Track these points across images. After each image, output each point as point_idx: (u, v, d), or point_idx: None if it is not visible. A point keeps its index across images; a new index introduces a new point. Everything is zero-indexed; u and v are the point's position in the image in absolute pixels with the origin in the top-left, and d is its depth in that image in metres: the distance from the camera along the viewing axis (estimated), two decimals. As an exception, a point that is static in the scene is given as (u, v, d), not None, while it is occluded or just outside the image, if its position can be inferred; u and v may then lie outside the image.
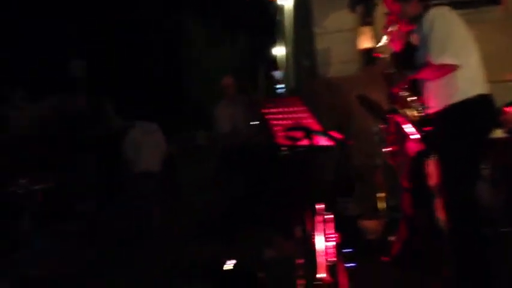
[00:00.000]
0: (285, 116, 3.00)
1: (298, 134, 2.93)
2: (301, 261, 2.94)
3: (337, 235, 2.89)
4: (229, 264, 3.61)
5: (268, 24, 15.36)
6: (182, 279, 3.89)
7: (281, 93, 15.42)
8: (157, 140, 6.25)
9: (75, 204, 6.18)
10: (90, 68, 12.14)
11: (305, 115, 2.93)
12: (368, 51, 5.31)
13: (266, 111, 3.15)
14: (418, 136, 3.14)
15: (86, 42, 13.97)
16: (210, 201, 6.28)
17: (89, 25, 14.77)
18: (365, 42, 5.41)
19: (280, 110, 3.03)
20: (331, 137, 2.97)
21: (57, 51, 13.75)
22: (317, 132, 2.93)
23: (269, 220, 4.66)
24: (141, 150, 5.99)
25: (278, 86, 16.74)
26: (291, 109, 2.97)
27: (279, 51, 16.55)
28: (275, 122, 3.12)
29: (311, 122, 2.92)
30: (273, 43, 17.07)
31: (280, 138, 3.06)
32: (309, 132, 2.91)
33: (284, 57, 14.57)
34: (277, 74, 17.33)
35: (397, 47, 3.33)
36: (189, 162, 9.82)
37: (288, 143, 3.01)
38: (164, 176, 6.32)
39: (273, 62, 17.76)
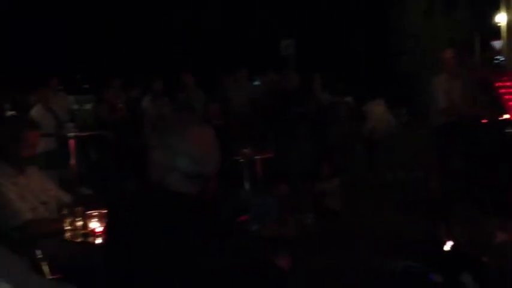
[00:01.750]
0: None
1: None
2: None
3: None
4: (448, 245, 3.46)
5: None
6: (397, 257, 3.86)
7: (500, 66, 13.92)
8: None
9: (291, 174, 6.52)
10: (300, 46, 12.60)
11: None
12: None
13: (500, 84, 2.89)
14: None
15: (295, 22, 14.51)
16: (417, 180, 6.07)
17: (297, 4, 15.29)
18: None
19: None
20: None
21: (269, 32, 14.57)
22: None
23: (500, 203, 4.31)
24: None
25: (497, 57, 15.13)
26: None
27: (501, 18, 14.88)
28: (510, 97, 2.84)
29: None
30: (495, 9, 15.41)
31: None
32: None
33: (506, 25, 13.07)
34: (497, 44, 15.67)
35: None
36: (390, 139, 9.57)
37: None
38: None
39: (493, 31, 16.08)
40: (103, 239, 2.67)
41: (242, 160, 5.77)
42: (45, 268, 2.76)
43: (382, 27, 11.31)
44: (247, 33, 15.35)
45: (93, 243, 2.70)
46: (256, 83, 10.37)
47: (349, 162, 7.39)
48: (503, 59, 14.07)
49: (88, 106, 8.95)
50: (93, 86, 14.28)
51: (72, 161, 5.55)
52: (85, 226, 2.78)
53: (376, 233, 4.78)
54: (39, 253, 2.79)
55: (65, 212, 2.83)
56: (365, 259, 4.14)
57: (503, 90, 2.86)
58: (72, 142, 5.50)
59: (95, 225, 2.73)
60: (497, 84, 2.82)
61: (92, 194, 5.42)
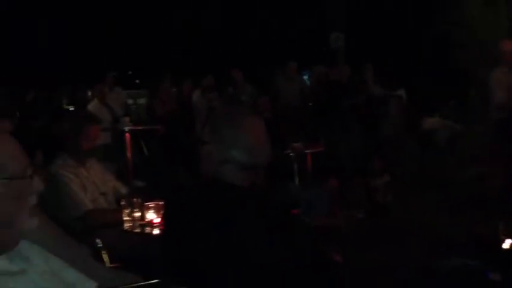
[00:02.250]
0: None
1: None
2: None
3: None
4: (507, 243, 3.36)
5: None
6: (450, 255, 3.78)
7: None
8: None
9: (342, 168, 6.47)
10: (349, 39, 12.42)
11: None
12: None
13: None
14: None
15: (345, 15, 14.33)
16: (472, 177, 5.89)
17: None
18: None
19: None
20: None
21: (318, 26, 14.44)
22: None
23: None
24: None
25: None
26: None
27: None
28: None
29: None
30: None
31: None
32: None
33: None
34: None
35: None
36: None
37: None
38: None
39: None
40: (160, 230, 2.77)
41: (292, 154, 5.77)
42: (105, 257, 2.87)
43: (437, 17, 10.99)
44: (296, 26, 15.29)
45: (151, 234, 2.79)
46: (305, 76, 10.35)
47: (401, 157, 7.26)
48: None
49: (142, 101, 9.20)
50: (144, 81, 14.62)
51: (128, 154, 5.73)
52: (143, 217, 2.87)
53: (428, 230, 4.69)
54: (99, 242, 2.90)
55: (124, 203, 2.93)
56: (416, 256, 4.07)
57: None
58: (127, 136, 5.68)
59: (152, 216, 2.82)
60: None
61: (145, 186, 5.58)
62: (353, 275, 3.74)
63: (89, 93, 9.50)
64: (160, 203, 2.85)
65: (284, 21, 15.68)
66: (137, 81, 17.72)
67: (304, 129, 6.83)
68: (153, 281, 2.45)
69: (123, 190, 3.47)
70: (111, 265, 2.83)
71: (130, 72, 18.73)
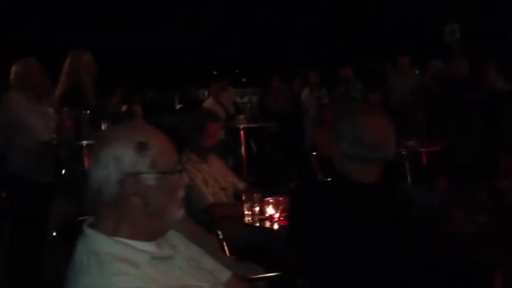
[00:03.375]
0: None
1: None
2: None
3: None
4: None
5: None
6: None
7: None
8: None
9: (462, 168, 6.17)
10: (464, 31, 11.72)
11: None
12: None
13: None
14: None
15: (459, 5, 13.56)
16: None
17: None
18: None
19: None
20: None
21: (430, 18, 13.80)
22: None
23: None
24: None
25: None
26: None
27: None
28: None
29: None
30: None
31: None
32: None
33: None
34: None
35: None
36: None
37: None
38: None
39: None
40: (281, 225, 2.84)
41: (404, 153, 5.60)
42: (226, 248, 3.01)
43: None
44: (408, 19, 14.73)
45: (271, 228, 2.88)
46: (416, 72, 9.96)
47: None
48: None
49: (246, 99, 9.47)
50: (252, 80, 14.94)
51: (242, 151, 5.93)
52: (262, 211, 2.97)
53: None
54: (220, 234, 3.05)
55: (244, 197, 3.05)
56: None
57: None
58: (241, 133, 5.88)
59: (271, 211, 2.91)
60: None
61: (258, 182, 5.73)
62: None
63: (202, 94, 9.90)
64: (279, 198, 2.92)
65: (393, 14, 15.19)
66: (244, 79, 18.16)
67: (419, 127, 6.59)
68: (275, 274, 2.54)
69: (241, 185, 3.60)
70: (232, 257, 2.97)
71: (237, 71, 19.24)
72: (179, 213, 1.42)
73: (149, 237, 1.39)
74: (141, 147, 1.34)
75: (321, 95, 7.88)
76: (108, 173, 1.32)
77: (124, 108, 6.63)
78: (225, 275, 1.62)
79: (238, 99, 11.54)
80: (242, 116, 6.01)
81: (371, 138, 1.84)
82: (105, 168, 1.32)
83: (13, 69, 4.05)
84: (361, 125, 1.87)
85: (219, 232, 3.04)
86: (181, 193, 1.43)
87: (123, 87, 7.97)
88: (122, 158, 1.32)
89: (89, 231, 1.34)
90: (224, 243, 2.99)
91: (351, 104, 6.02)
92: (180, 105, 10.41)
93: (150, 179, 1.34)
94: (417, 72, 9.92)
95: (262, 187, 3.46)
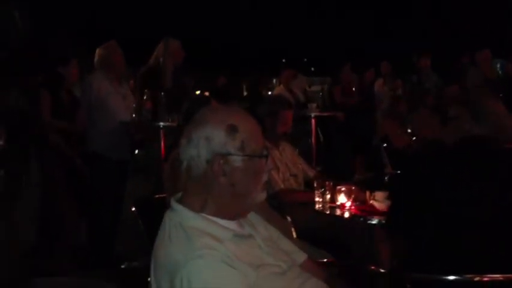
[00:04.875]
0: None
1: None
2: None
3: None
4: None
5: None
6: None
7: None
8: None
9: None
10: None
11: None
12: None
13: None
14: None
15: None
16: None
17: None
18: None
19: None
20: None
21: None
22: None
23: None
24: None
25: None
26: None
27: None
28: None
29: None
30: None
31: None
32: None
33: None
34: None
35: None
36: None
37: None
38: None
39: None
40: (356, 213, 2.83)
41: None
42: (293, 233, 3.04)
43: None
44: (490, 10, 14.03)
45: (341, 216, 2.88)
46: (498, 65, 9.46)
47: None
48: None
49: (316, 88, 9.36)
50: (321, 68, 14.81)
51: (312, 139, 5.91)
52: (333, 199, 2.97)
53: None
54: (289, 219, 3.08)
55: (316, 184, 3.06)
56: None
57: None
58: (313, 121, 5.86)
59: (343, 199, 2.91)
60: None
61: (325, 171, 5.70)
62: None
63: (274, 81, 9.86)
64: (352, 187, 2.91)
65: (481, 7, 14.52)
66: (312, 68, 18.01)
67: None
68: (346, 261, 2.55)
69: (311, 173, 3.61)
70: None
71: (305, 60, 19.10)
72: (262, 196, 1.47)
73: (232, 216, 1.44)
74: (232, 129, 1.39)
75: (396, 85, 7.69)
76: (198, 152, 1.38)
77: (198, 93, 6.77)
78: (301, 256, 1.66)
79: (307, 88, 11.47)
80: (314, 105, 5.97)
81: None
82: (196, 148, 1.38)
83: (97, 52, 4.27)
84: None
85: (288, 217, 3.07)
86: (265, 177, 1.47)
87: (196, 73, 8.14)
88: (213, 138, 1.38)
89: (177, 206, 1.42)
90: (292, 228, 3.02)
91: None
92: (247, 93, 10.49)
93: (237, 160, 1.39)
94: (498, 65, 9.43)
95: (329, 177, 3.45)
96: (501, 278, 1.81)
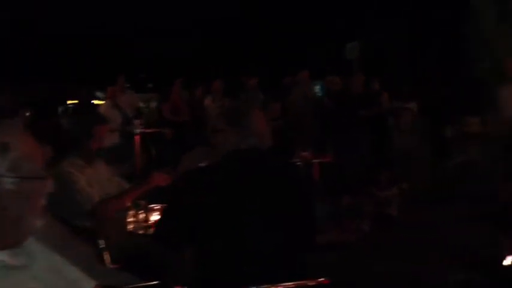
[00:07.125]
0: None
1: None
2: None
3: None
4: (508, 260, 3.33)
5: None
6: (454, 269, 3.76)
7: None
8: None
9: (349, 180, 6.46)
10: (364, 49, 12.38)
11: None
12: None
13: None
14: None
15: (360, 24, 14.34)
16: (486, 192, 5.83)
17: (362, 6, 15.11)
18: None
19: None
20: None
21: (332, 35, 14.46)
22: None
23: None
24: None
25: None
26: None
27: None
28: None
29: None
30: None
31: None
32: None
33: None
34: None
35: None
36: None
37: None
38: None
39: None
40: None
41: (299, 163, 5.76)
42: (106, 257, 2.89)
43: (454, 31, 10.93)
44: (310, 35, 15.33)
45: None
46: (318, 86, 10.33)
47: (411, 171, 7.20)
48: None
49: (154, 104, 9.28)
50: (157, 85, 14.75)
51: (136, 157, 5.77)
52: (147, 219, 2.88)
53: (433, 244, 4.65)
54: (102, 243, 2.92)
55: (129, 204, 2.94)
56: (421, 270, 4.04)
57: None
58: (137, 138, 5.73)
59: (157, 218, 2.83)
60: None
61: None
62: (359, 286, 3.75)
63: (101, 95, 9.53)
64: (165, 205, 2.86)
65: (299, 30, 15.73)
66: (150, 85, 17.85)
67: (313, 138, 6.82)
68: (153, 282, 2.48)
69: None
70: (113, 265, 2.85)
71: (143, 76, 18.85)
72: (38, 222, 1.33)
73: (3, 245, 1.28)
74: (3, 148, 1.24)
75: (223, 103, 7.91)
76: None
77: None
78: (87, 285, 1.54)
79: (142, 104, 11.27)
80: (138, 121, 5.85)
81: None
82: None
83: None
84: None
85: (101, 241, 2.91)
86: (42, 201, 1.34)
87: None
88: None
89: None
90: (105, 253, 2.87)
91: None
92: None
93: (7, 182, 1.24)
94: (318, 87, 10.30)
95: (154, 193, 3.37)
96: (293, 286, 1.87)
